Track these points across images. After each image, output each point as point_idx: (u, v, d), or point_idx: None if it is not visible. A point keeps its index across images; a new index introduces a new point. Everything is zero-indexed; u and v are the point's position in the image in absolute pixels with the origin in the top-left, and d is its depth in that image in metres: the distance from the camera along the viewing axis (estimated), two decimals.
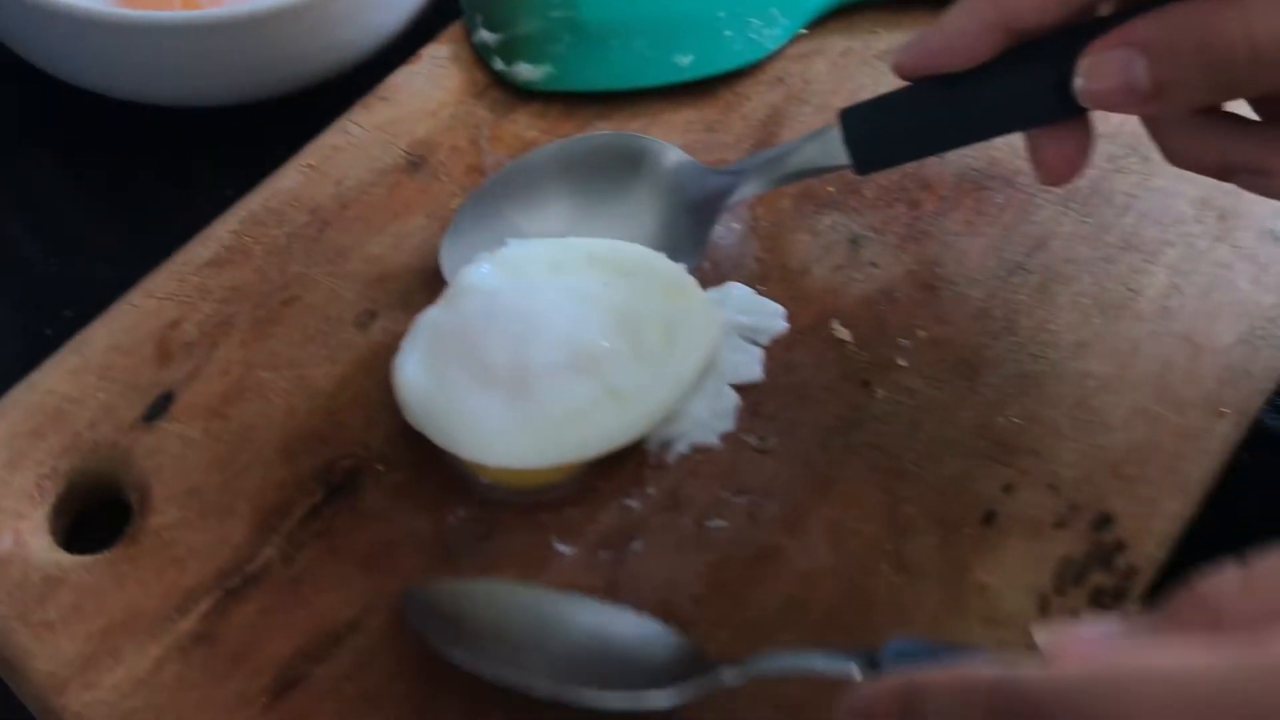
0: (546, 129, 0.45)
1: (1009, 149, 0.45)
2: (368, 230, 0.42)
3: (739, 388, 0.40)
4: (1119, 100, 0.33)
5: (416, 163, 0.44)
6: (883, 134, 0.38)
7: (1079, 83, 0.33)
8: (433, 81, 0.46)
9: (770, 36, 0.46)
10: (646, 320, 0.39)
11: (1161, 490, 0.39)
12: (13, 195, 0.48)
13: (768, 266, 0.43)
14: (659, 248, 0.41)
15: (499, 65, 0.46)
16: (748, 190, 0.41)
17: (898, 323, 0.42)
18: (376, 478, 0.38)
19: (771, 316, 0.42)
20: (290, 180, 0.43)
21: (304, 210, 0.42)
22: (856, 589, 0.37)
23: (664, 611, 0.36)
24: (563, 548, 0.37)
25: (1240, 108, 0.35)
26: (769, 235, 0.43)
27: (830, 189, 0.44)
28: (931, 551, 0.38)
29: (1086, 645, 0.24)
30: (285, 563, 0.36)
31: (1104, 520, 0.38)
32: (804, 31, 0.48)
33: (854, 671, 0.31)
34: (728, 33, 0.46)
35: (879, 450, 0.40)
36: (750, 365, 0.41)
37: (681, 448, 0.39)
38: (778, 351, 0.41)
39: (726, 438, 0.40)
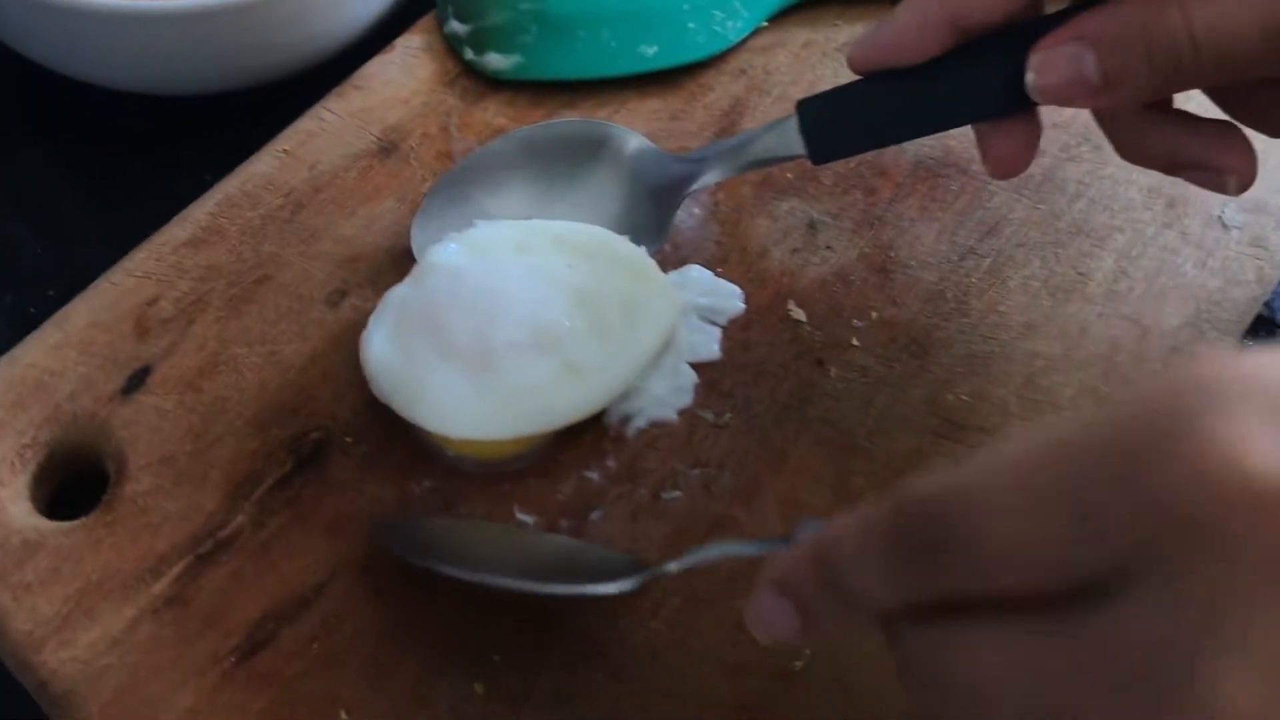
0: (515, 117, 0.46)
1: (964, 138, 0.46)
2: (339, 213, 0.44)
3: (697, 365, 0.42)
4: (1069, 93, 0.34)
5: (388, 148, 0.45)
6: (838, 125, 0.38)
7: (1030, 77, 0.34)
8: (405, 70, 0.47)
9: (733, 29, 0.48)
10: (607, 300, 0.40)
11: None
12: (0, 178, 0.49)
13: (727, 249, 0.44)
14: (623, 231, 0.42)
15: (469, 55, 0.47)
16: (709, 178, 0.42)
17: (852, 304, 0.43)
18: (344, 449, 0.39)
19: (729, 298, 0.43)
20: (266, 165, 0.44)
21: (278, 193, 0.44)
22: None
23: None
24: (525, 517, 0.39)
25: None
26: (729, 219, 0.45)
27: (789, 176, 0.46)
28: None
29: None
30: (255, 529, 0.38)
31: None
32: (766, 24, 0.49)
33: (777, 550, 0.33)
34: (691, 25, 0.47)
35: (831, 426, 0.41)
36: (708, 344, 0.42)
37: (640, 423, 0.41)
38: (735, 331, 0.43)
39: (684, 413, 0.41)
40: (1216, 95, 0.37)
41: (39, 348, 0.40)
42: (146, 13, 0.44)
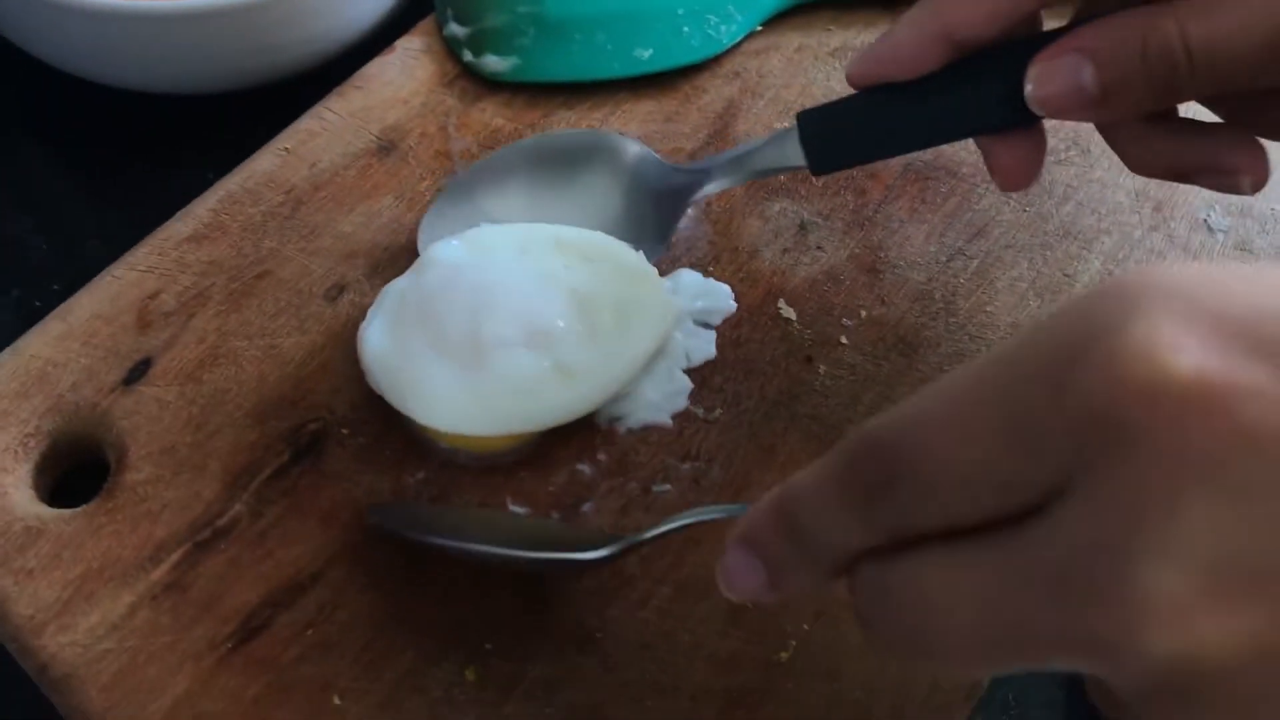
0: (512, 117, 0.47)
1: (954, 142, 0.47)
2: (339, 210, 0.44)
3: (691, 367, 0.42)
4: (1068, 104, 0.34)
5: (387, 147, 0.46)
6: (837, 137, 0.39)
7: (1029, 89, 0.34)
8: (405, 72, 0.48)
9: (727, 33, 0.49)
10: (601, 303, 0.41)
11: None
12: (4, 176, 0.50)
13: (719, 249, 0.45)
14: (625, 238, 0.43)
15: (468, 57, 0.48)
16: (712, 188, 0.43)
17: (841, 303, 0.44)
18: (340, 441, 0.40)
19: (722, 298, 0.44)
20: (267, 162, 0.45)
21: (279, 190, 0.45)
22: None
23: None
24: (517, 508, 0.40)
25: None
26: (721, 220, 0.45)
27: (781, 178, 0.46)
28: None
29: None
30: (253, 518, 0.39)
31: None
32: (760, 29, 0.50)
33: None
34: (686, 28, 0.48)
35: (820, 422, 0.42)
36: (705, 348, 0.43)
37: (631, 424, 0.41)
38: (726, 329, 0.43)
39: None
40: (1212, 104, 0.37)
41: (42, 339, 0.41)
42: (151, 13, 0.45)
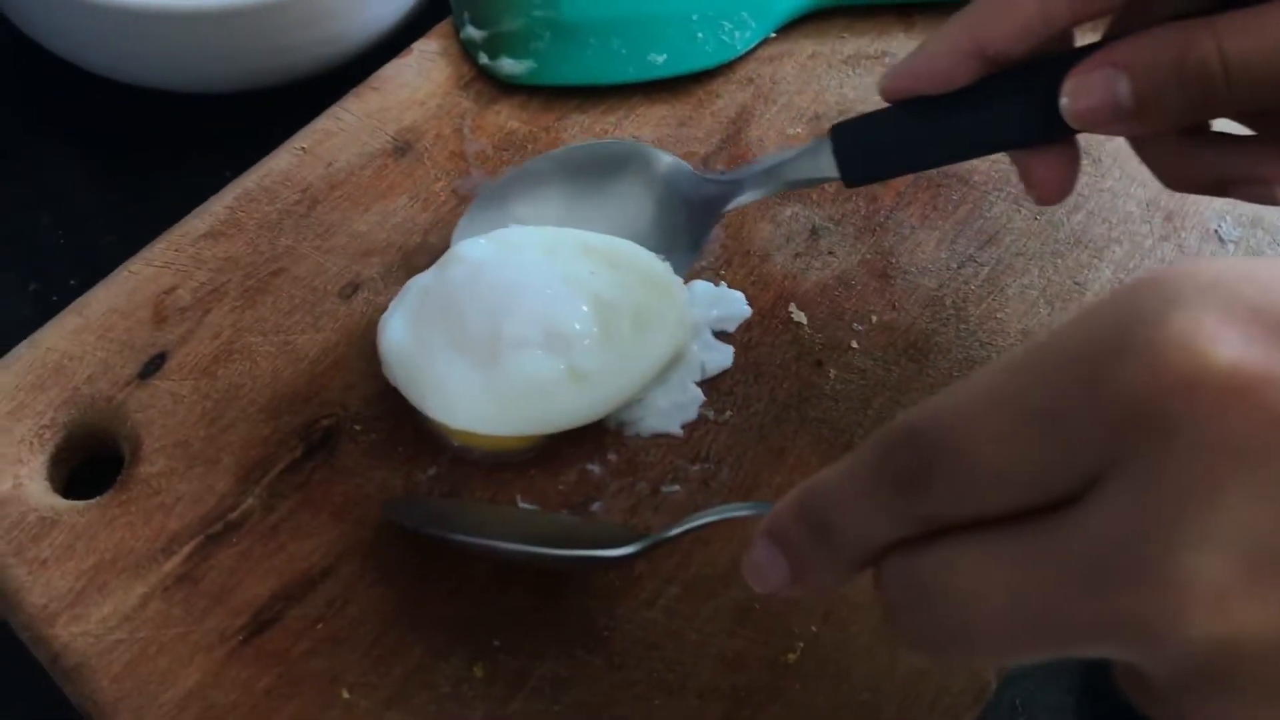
0: (527, 120, 0.48)
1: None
2: (354, 209, 0.45)
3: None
4: (1104, 118, 0.34)
5: (403, 148, 0.46)
6: (871, 150, 0.39)
7: (1065, 103, 0.34)
8: (421, 74, 0.48)
9: (741, 39, 0.49)
10: (620, 310, 0.41)
11: None
12: (24, 172, 0.50)
13: (731, 252, 0.45)
14: (656, 248, 0.43)
15: (484, 60, 0.48)
16: (744, 199, 0.43)
17: (852, 308, 0.44)
18: (353, 437, 0.40)
19: (736, 305, 0.44)
20: (284, 161, 0.46)
21: (295, 189, 0.45)
22: None
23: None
24: (527, 505, 0.40)
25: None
26: (733, 224, 0.46)
27: None
28: None
29: None
30: (265, 512, 0.39)
31: None
32: (774, 35, 0.50)
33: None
34: (700, 34, 0.49)
35: (829, 425, 0.42)
36: (722, 360, 0.43)
37: (640, 430, 0.41)
38: (738, 332, 0.43)
39: None
40: (1246, 118, 0.37)
41: (59, 332, 0.41)
42: (171, 12, 0.46)
